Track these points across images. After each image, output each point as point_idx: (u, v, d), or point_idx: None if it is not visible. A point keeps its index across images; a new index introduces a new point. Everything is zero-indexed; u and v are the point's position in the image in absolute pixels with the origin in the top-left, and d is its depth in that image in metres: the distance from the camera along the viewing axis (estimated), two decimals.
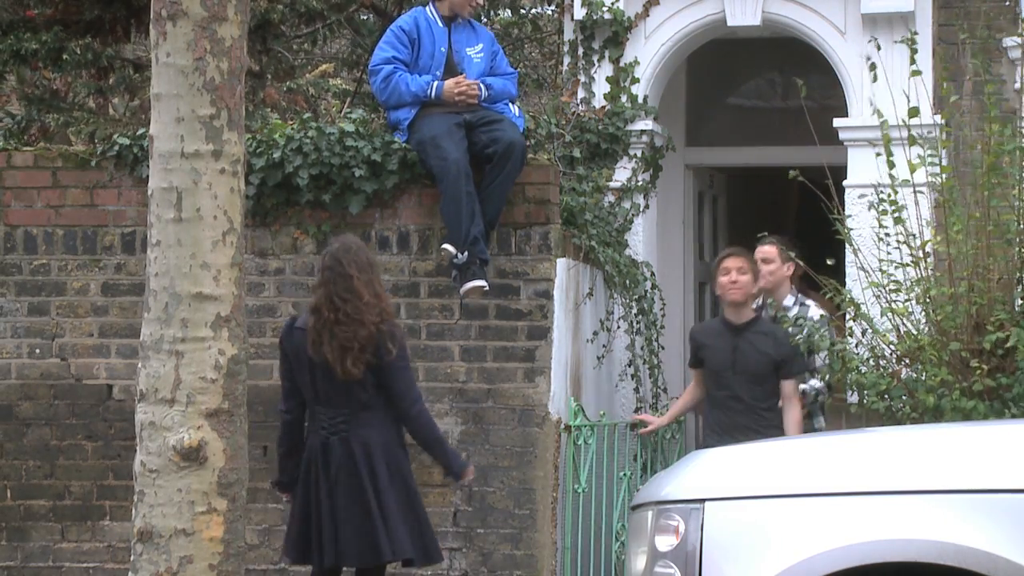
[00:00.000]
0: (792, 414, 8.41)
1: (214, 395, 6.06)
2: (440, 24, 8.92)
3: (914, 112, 8.19)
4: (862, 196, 8.39)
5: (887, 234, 8.11)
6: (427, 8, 9.02)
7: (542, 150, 9.41)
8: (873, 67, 8.74)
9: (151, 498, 6.04)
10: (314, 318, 7.32)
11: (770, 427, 8.32)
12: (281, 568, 8.95)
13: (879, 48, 9.01)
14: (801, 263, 8.78)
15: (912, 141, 8.04)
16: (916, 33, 8.90)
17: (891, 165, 8.01)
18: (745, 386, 8.43)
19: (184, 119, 6.06)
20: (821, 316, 8.64)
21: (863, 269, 8.32)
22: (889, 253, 8.17)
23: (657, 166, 11.02)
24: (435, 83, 8.78)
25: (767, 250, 8.80)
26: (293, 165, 8.91)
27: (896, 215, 8.03)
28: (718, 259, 8.61)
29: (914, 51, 8.35)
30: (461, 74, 8.84)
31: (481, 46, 8.99)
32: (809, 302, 8.80)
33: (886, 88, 9.20)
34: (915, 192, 8.06)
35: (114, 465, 9.07)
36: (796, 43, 11.08)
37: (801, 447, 5.53)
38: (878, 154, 8.10)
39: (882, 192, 8.25)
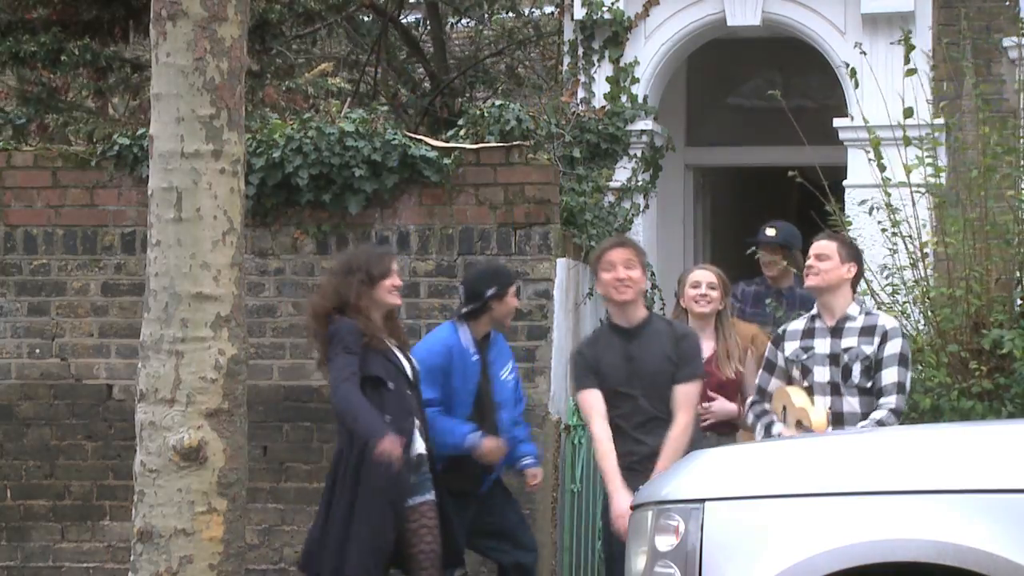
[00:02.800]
0: (679, 423, 6.84)
1: (214, 395, 6.07)
2: (473, 350, 7.60)
3: (908, 113, 8.18)
4: (863, 202, 8.36)
5: (890, 234, 8.10)
6: (458, 332, 7.63)
7: (542, 150, 9.41)
8: (853, 73, 8.74)
9: (151, 498, 6.05)
10: None
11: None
12: (281, 568, 8.96)
13: (864, 53, 9.01)
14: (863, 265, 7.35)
15: (907, 142, 8.03)
16: (910, 32, 8.88)
17: (882, 168, 8.01)
18: (650, 399, 6.93)
19: (184, 119, 6.06)
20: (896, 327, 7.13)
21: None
22: (886, 256, 8.16)
23: (657, 166, 11.03)
24: (473, 436, 7.54)
25: (824, 245, 7.17)
26: (293, 165, 8.91)
27: (893, 218, 8.02)
28: (598, 252, 7.10)
29: (911, 48, 8.35)
30: (495, 404, 7.75)
31: (510, 364, 7.82)
32: (877, 311, 7.34)
33: (886, 88, 9.19)
34: (912, 193, 8.06)
35: (114, 465, 9.07)
36: (796, 43, 11.09)
37: (801, 447, 5.53)
38: (870, 160, 8.10)
39: (873, 196, 8.24)
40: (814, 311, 7.06)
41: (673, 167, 11.58)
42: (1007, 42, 10.49)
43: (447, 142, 9.31)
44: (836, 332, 6.92)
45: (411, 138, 9.08)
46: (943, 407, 7.53)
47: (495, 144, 9.13)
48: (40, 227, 9.25)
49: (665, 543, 5.07)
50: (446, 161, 8.92)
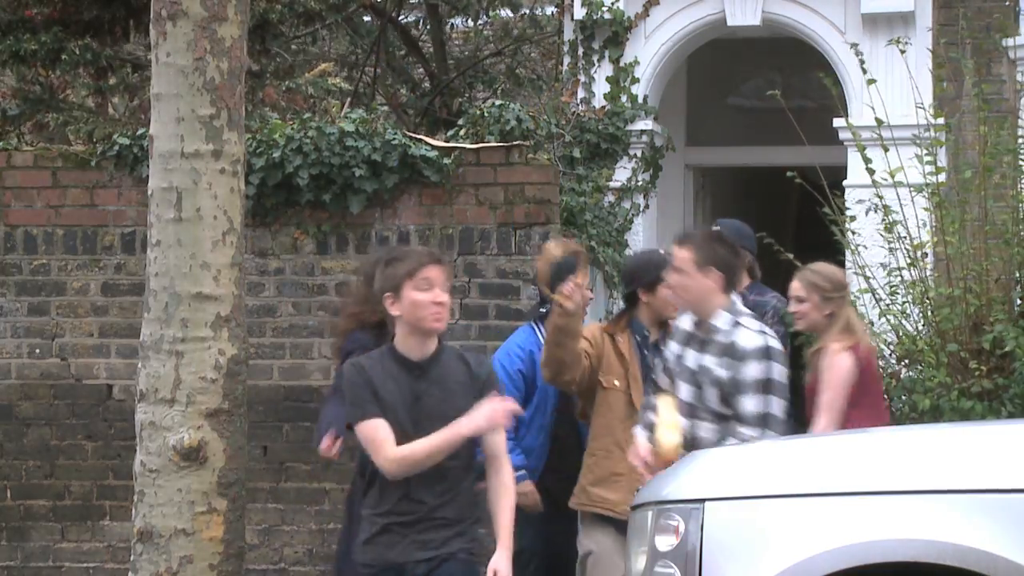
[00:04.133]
0: (507, 484, 5.65)
1: (214, 395, 6.07)
2: None
3: (879, 123, 8.15)
4: (860, 201, 8.35)
5: (886, 234, 8.10)
6: (536, 334, 7.45)
7: (542, 150, 9.41)
8: (871, 81, 8.74)
9: (151, 498, 6.05)
10: None
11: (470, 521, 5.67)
12: (281, 568, 8.96)
13: (860, 54, 9.01)
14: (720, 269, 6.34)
15: (884, 149, 8.03)
16: (904, 40, 8.86)
17: (870, 172, 8.02)
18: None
19: (184, 119, 6.06)
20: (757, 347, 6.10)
21: (862, 269, 8.31)
22: (886, 256, 8.16)
23: (657, 166, 11.03)
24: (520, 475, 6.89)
25: (677, 255, 6.24)
26: (293, 165, 8.91)
27: (888, 218, 8.02)
28: (410, 264, 5.65)
29: (902, 52, 8.36)
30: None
31: None
32: (744, 324, 6.19)
33: (886, 88, 9.20)
34: (911, 193, 8.06)
35: (114, 465, 9.07)
36: (796, 43, 11.09)
37: (801, 447, 5.53)
38: (869, 161, 8.10)
39: (870, 197, 8.24)
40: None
41: (673, 167, 11.58)
42: (1007, 42, 10.49)
43: (447, 142, 9.30)
44: (704, 345, 6.11)
45: (411, 138, 9.08)
46: (943, 407, 7.54)
47: (495, 144, 9.13)
48: (40, 227, 9.24)
49: (665, 543, 5.07)
50: (446, 161, 8.92)
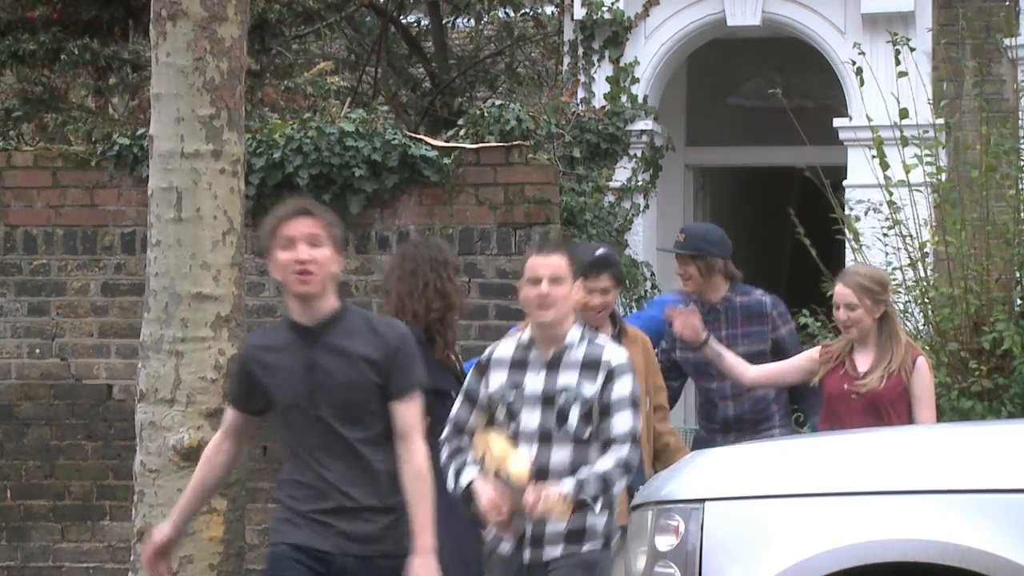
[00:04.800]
0: (415, 464, 5.01)
1: (214, 395, 6.07)
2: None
3: (904, 114, 8.17)
4: (860, 201, 8.35)
5: (884, 234, 8.10)
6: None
7: (542, 150, 9.41)
8: (859, 71, 8.73)
9: (151, 498, 6.05)
10: None
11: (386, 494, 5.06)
12: None
13: (862, 53, 9.01)
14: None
15: (905, 142, 8.03)
16: (902, 37, 8.86)
17: (884, 167, 8.01)
18: (337, 424, 5.06)
19: (184, 119, 6.06)
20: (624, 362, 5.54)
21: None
22: (887, 255, 8.16)
23: (657, 166, 11.03)
24: None
25: (554, 264, 5.52)
26: (293, 165, 8.91)
27: (890, 217, 8.02)
28: (273, 220, 5.04)
29: (899, 51, 8.35)
30: None
31: None
32: (601, 340, 5.62)
33: (886, 88, 9.19)
34: (911, 193, 8.06)
35: (114, 465, 9.06)
36: (796, 43, 11.09)
37: (801, 447, 5.53)
38: (873, 156, 8.10)
39: (870, 197, 8.24)
40: (526, 335, 5.56)
41: (673, 167, 11.58)
42: (1007, 42, 10.49)
43: (447, 142, 9.30)
44: (552, 365, 5.46)
45: (411, 138, 9.08)
46: (943, 407, 7.53)
47: (495, 144, 9.13)
48: (40, 227, 9.24)
49: (665, 543, 5.07)
50: (446, 161, 8.91)
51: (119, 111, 13.10)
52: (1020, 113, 9.11)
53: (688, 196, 12.08)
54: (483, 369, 5.53)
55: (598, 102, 10.94)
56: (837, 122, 10.46)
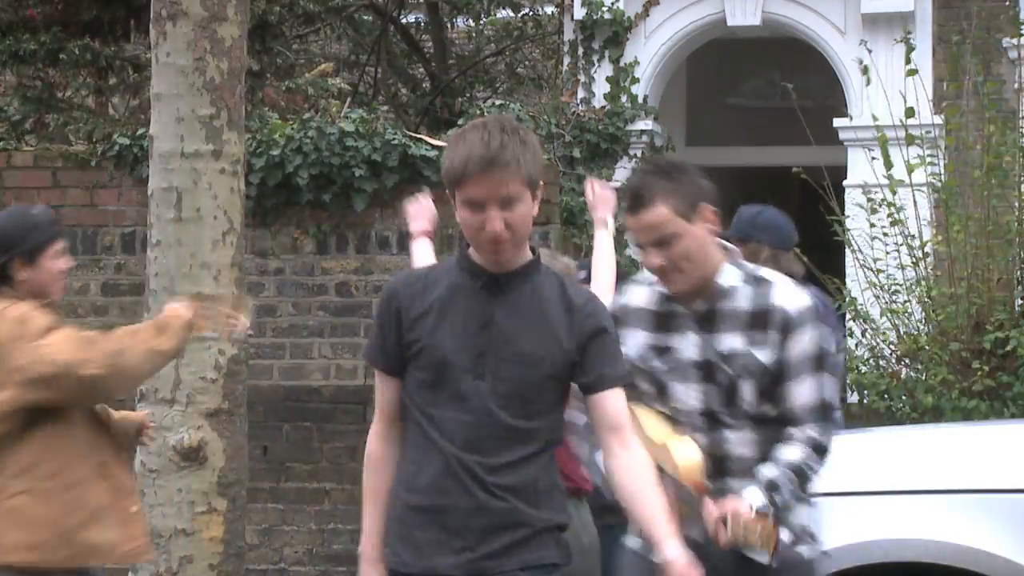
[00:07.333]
0: (636, 463, 3.83)
1: (214, 395, 6.06)
2: None
3: (910, 113, 8.18)
4: (861, 205, 8.34)
5: (885, 234, 8.10)
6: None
7: (542, 150, 9.40)
8: (866, 70, 8.74)
9: (151, 498, 6.04)
10: None
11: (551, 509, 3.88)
12: (281, 568, 8.95)
13: (870, 51, 9.01)
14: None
15: (910, 140, 8.03)
16: (910, 34, 8.88)
17: (889, 166, 8.01)
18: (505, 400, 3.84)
19: (184, 119, 6.06)
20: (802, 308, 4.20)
21: (864, 267, 8.31)
22: (887, 253, 8.16)
23: None
24: None
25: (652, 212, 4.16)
26: (293, 165, 8.91)
27: (892, 216, 8.02)
28: (454, 172, 3.85)
29: (911, 49, 8.35)
30: None
31: None
32: (766, 275, 4.26)
33: (888, 88, 9.19)
34: (913, 192, 8.06)
35: None
36: (796, 43, 11.09)
37: None
38: (874, 158, 8.10)
39: (874, 192, 8.23)
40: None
41: None
42: (1007, 42, 10.49)
43: (447, 142, 9.30)
44: (706, 321, 4.12)
45: (411, 138, 9.08)
46: (944, 407, 7.54)
47: None
48: None
49: None
50: None
51: (119, 111, 13.10)
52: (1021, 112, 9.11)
53: None
54: (619, 323, 4.11)
55: (598, 102, 10.94)
56: (837, 122, 10.46)
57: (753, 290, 4.08)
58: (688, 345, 4.11)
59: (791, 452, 4.02)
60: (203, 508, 6.03)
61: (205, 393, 6.05)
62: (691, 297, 4.09)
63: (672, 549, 3.72)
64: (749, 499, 3.92)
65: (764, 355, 4.04)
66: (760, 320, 4.04)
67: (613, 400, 3.85)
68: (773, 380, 4.04)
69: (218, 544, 6.06)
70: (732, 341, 4.06)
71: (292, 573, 8.88)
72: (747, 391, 4.05)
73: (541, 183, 3.99)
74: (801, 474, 4.02)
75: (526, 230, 3.96)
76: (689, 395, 4.11)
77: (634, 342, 4.17)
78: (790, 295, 4.07)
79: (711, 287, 4.08)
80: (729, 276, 4.09)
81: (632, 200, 4.13)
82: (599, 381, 3.84)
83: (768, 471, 4.00)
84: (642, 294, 4.21)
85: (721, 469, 4.07)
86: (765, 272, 4.14)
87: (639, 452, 3.87)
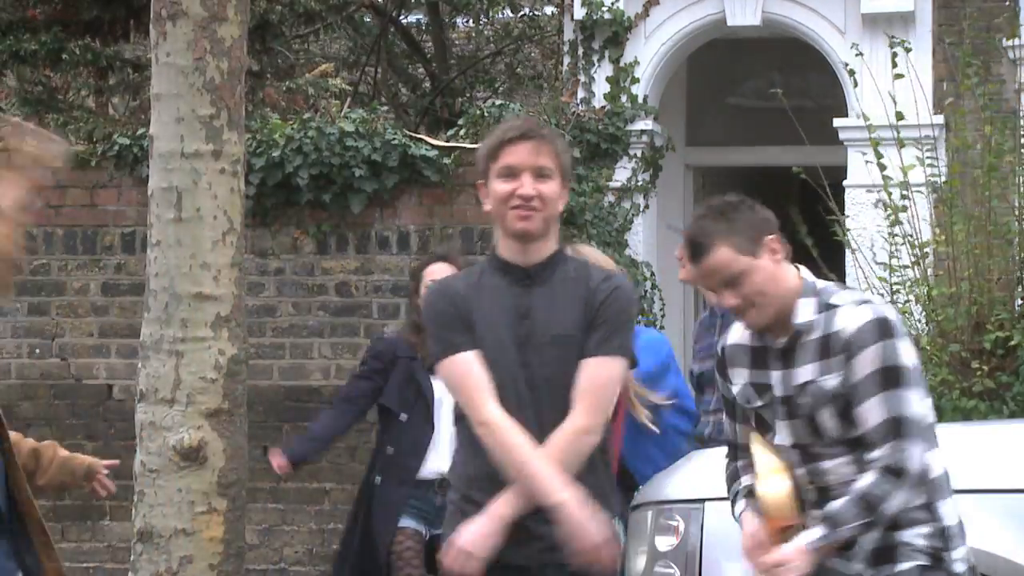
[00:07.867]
0: (572, 424, 4.14)
1: (214, 395, 6.05)
2: None
3: (900, 116, 8.16)
4: (864, 204, 8.35)
5: (892, 234, 8.10)
6: None
7: None
8: (852, 72, 8.73)
9: (151, 498, 6.04)
10: None
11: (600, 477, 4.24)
12: (281, 568, 8.95)
13: (860, 55, 9.00)
14: None
15: (901, 144, 8.03)
16: (894, 38, 8.85)
17: (882, 167, 8.01)
18: (549, 386, 4.19)
19: (184, 119, 6.05)
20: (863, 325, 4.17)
21: (870, 264, 8.30)
22: (890, 253, 8.16)
23: (657, 166, 11.03)
24: None
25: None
26: (293, 165, 8.91)
27: (893, 216, 8.01)
28: (492, 143, 4.33)
29: (903, 51, 8.35)
30: None
31: None
32: (837, 300, 4.29)
33: (887, 88, 9.19)
34: (912, 193, 8.05)
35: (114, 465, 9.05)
36: (796, 43, 11.09)
37: None
38: (868, 161, 8.10)
39: (877, 192, 8.23)
40: None
41: (673, 167, 11.58)
42: (1007, 42, 10.49)
43: (447, 142, 9.30)
44: (787, 355, 4.15)
45: (411, 138, 9.08)
46: (944, 407, 7.53)
47: None
48: (40, 227, 9.24)
49: (665, 543, 5.07)
50: (446, 161, 8.92)
51: (119, 111, 13.11)
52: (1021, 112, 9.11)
53: (688, 196, 12.07)
54: (722, 365, 4.27)
55: (598, 102, 10.93)
56: (837, 122, 10.45)
57: (824, 318, 4.09)
58: (776, 382, 4.15)
59: (862, 480, 4.00)
60: (203, 508, 6.03)
61: (205, 393, 6.05)
62: (777, 331, 4.13)
63: (561, 493, 4.02)
64: (807, 538, 4.00)
65: (832, 382, 4.04)
66: (826, 347, 4.06)
67: (591, 368, 4.14)
68: (847, 404, 4.03)
69: (218, 544, 6.06)
70: (805, 373, 4.08)
71: (292, 573, 8.88)
72: (827, 420, 4.06)
73: (568, 181, 4.32)
74: (867, 501, 3.97)
75: (555, 209, 4.29)
76: (781, 431, 4.15)
77: (739, 380, 4.23)
78: (852, 315, 4.05)
79: (790, 323, 4.11)
80: (804, 311, 4.11)
81: (692, 249, 4.16)
82: (586, 349, 4.14)
83: (833, 504, 4.01)
84: (741, 331, 4.26)
85: (825, 498, 4.07)
86: (836, 296, 4.12)
87: (573, 422, 4.11)
